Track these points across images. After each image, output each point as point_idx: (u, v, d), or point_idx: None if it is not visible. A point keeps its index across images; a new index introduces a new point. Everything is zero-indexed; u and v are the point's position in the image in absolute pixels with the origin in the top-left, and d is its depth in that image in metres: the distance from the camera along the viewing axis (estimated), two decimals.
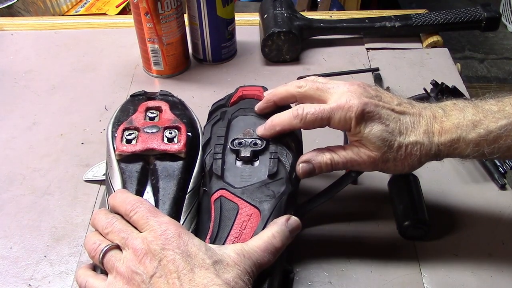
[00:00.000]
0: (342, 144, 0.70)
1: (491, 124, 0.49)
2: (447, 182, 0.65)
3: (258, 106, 0.56)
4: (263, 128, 0.54)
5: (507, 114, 0.49)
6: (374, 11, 0.97)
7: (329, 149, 0.53)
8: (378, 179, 0.65)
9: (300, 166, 0.52)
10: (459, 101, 0.52)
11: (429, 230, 0.58)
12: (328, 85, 0.53)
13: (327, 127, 0.53)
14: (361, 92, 0.51)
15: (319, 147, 0.54)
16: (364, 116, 0.50)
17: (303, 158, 0.53)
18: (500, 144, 0.49)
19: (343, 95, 0.51)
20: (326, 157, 0.52)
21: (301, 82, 0.54)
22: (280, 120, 0.53)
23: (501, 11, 2.60)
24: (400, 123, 0.51)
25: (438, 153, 0.51)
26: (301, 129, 0.59)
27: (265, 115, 0.56)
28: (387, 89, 0.79)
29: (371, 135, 0.50)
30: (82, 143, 0.71)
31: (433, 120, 0.51)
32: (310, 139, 0.71)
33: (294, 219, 0.48)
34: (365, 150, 0.51)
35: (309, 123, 0.52)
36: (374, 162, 0.51)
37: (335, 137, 0.71)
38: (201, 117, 0.62)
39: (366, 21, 0.90)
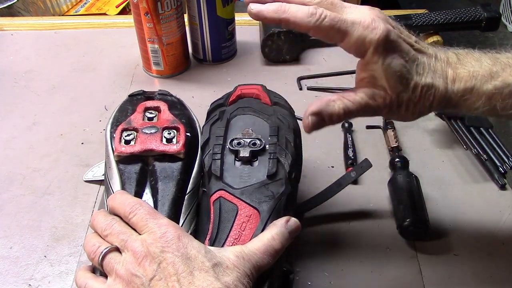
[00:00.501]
0: (342, 144, 0.70)
1: (509, 77, 0.46)
2: (447, 182, 0.65)
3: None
4: (264, 6, 0.46)
5: None
6: None
7: (340, 95, 0.47)
8: (378, 179, 0.65)
9: (310, 119, 0.47)
10: (475, 51, 0.49)
11: (429, 230, 0.58)
12: (344, 3, 0.47)
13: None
14: (385, 18, 0.46)
15: (327, 96, 0.47)
16: (386, 45, 0.45)
17: (311, 109, 0.46)
18: None
19: (366, 14, 0.45)
20: (338, 106, 0.46)
21: (316, 8, 0.45)
22: (291, 9, 0.45)
23: (501, 11, 2.60)
24: (418, 62, 0.47)
25: (449, 100, 0.47)
26: (300, 130, 0.58)
27: (264, 110, 0.55)
28: None
29: (390, 68, 0.45)
30: (82, 143, 0.71)
31: (447, 65, 0.47)
32: (310, 138, 0.71)
33: (293, 221, 0.47)
34: (379, 91, 0.46)
35: (323, 29, 0.44)
36: (389, 104, 0.46)
37: (335, 137, 0.72)
38: (201, 117, 0.62)
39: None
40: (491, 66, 0.47)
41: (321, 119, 0.47)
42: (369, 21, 0.45)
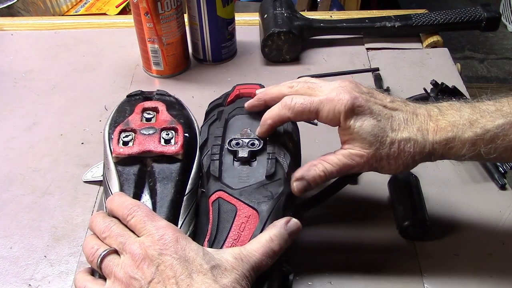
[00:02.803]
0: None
1: (488, 123, 0.48)
2: (447, 182, 0.65)
3: (248, 103, 0.55)
4: (259, 127, 0.54)
5: (504, 113, 0.48)
6: (374, 11, 0.97)
7: (320, 159, 0.52)
8: (378, 179, 0.65)
9: (295, 185, 0.51)
10: (456, 102, 0.52)
11: (429, 230, 0.58)
12: (319, 84, 0.52)
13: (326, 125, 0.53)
14: (352, 88, 0.50)
15: (310, 161, 0.52)
16: (355, 110, 0.49)
17: (296, 175, 0.51)
18: (497, 144, 0.48)
19: (333, 90, 0.50)
20: (318, 169, 0.51)
21: (293, 82, 0.54)
22: (270, 113, 0.52)
23: (501, 11, 2.60)
24: (392, 119, 0.50)
25: (432, 152, 0.49)
26: (298, 130, 0.58)
27: (258, 113, 0.56)
28: (387, 89, 0.79)
29: (362, 130, 0.49)
30: (82, 143, 0.71)
31: (428, 119, 0.50)
32: (310, 139, 0.71)
33: (293, 222, 0.47)
34: (357, 150, 0.50)
35: (298, 114, 0.51)
36: (367, 161, 0.50)
37: (336, 136, 0.71)
38: (201, 117, 0.62)
39: (366, 21, 0.90)
40: (470, 115, 0.49)
41: (306, 183, 0.51)
42: (335, 95, 0.50)
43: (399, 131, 0.49)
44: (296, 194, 0.52)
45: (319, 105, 0.50)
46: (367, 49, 0.89)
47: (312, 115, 0.51)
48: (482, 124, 0.48)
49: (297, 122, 0.59)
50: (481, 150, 0.48)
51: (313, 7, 1.50)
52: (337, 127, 0.52)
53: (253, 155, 0.52)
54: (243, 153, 0.52)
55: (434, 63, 0.86)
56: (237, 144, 0.53)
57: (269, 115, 0.52)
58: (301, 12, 0.91)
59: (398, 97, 0.53)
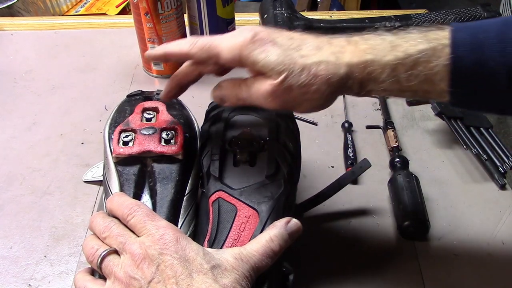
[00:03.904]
0: (342, 144, 0.70)
1: (410, 47, 0.44)
2: (447, 182, 0.65)
3: (162, 93, 0.54)
4: (153, 49, 0.52)
5: (428, 39, 0.44)
6: (374, 11, 0.98)
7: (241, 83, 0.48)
8: (378, 179, 0.65)
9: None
10: (380, 30, 0.47)
11: (429, 230, 0.58)
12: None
13: None
14: (255, 27, 0.47)
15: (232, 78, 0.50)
16: (256, 42, 0.45)
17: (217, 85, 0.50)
18: (418, 71, 0.43)
19: (237, 30, 0.48)
20: (235, 92, 0.49)
21: (192, 37, 0.50)
22: (173, 43, 0.50)
23: (501, 11, 2.59)
24: (300, 48, 0.45)
25: (349, 75, 0.45)
26: (298, 130, 0.58)
27: (262, 113, 0.55)
28: None
29: (267, 60, 0.45)
30: (82, 143, 0.71)
31: (346, 43, 0.46)
32: (310, 139, 0.71)
33: (294, 222, 0.47)
34: (267, 79, 0.45)
35: (198, 49, 0.48)
36: (276, 91, 0.45)
37: (335, 137, 0.72)
38: (201, 117, 0.62)
39: (366, 21, 0.90)
40: (393, 39, 0.45)
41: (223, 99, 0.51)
42: (235, 32, 0.47)
43: (309, 57, 0.45)
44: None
45: (220, 42, 0.47)
46: None
47: (213, 52, 0.47)
48: (404, 48, 0.44)
49: (297, 123, 0.59)
50: (401, 76, 0.44)
51: (313, 7, 1.50)
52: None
53: (253, 155, 0.52)
54: (243, 153, 0.52)
55: None
56: (237, 144, 0.53)
57: (171, 44, 0.50)
58: (301, 12, 0.91)
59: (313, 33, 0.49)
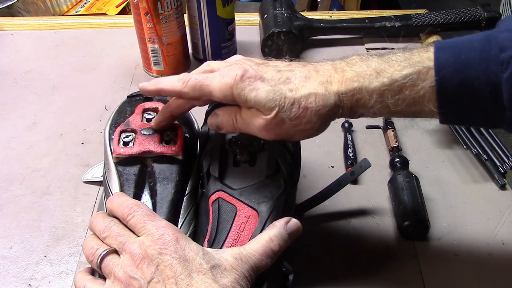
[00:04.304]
0: (342, 144, 0.70)
1: (395, 72, 0.45)
2: (447, 182, 0.65)
3: (154, 121, 0.56)
4: (147, 82, 0.52)
5: (413, 63, 0.45)
6: (374, 11, 0.97)
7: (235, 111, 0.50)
8: (378, 179, 0.65)
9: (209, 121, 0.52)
10: (365, 55, 0.48)
11: (429, 230, 0.58)
12: (221, 66, 0.51)
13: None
14: (245, 62, 0.49)
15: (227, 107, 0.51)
16: (245, 81, 0.47)
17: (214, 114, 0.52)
18: (405, 95, 0.45)
19: (227, 67, 0.49)
20: (230, 118, 0.50)
21: (184, 75, 0.51)
22: (165, 79, 0.51)
23: (501, 11, 2.59)
24: (289, 81, 0.47)
25: (339, 104, 0.46)
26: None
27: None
28: None
29: (257, 98, 0.46)
30: (82, 143, 0.71)
31: (333, 71, 0.47)
32: (310, 139, 0.71)
33: (294, 222, 0.47)
34: (260, 113, 0.47)
35: (190, 89, 0.49)
36: (269, 125, 0.47)
37: (335, 137, 0.72)
38: (201, 117, 0.62)
39: (366, 21, 0.90)
40: (378, 65, 0.46)
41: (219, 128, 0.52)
42: (227, 70, 0.48)
43: (297, 90, 0.46)
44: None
45: (211, 80, 0.48)
46: (367, 49, 0.89)
47: (204, 91, 0.49)
48: (389, 73, 0.45)
49: None
50: (389, 102, 0.45)
51: (313, 7, 1.50)
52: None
53: (253, 155, 0.52)
54: (243, 153, 0.52)
55: None
56: (237, 144, 0.53)
57: (164, 80, 0.51)
58: (301, 12, 0.91)
59: (300, 60, 0.50)
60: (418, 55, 0.45)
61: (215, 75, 0.48)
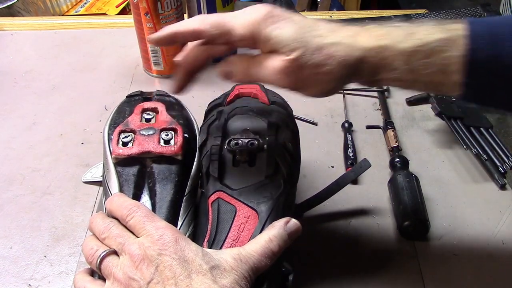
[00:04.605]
0: (342, 144, 0.70)
1: (427, 36, 0.43)
2: (447, 182, 0.65)
3: (173, 86, 0.51)
4: (157, 32, 0.48)
5: (444, 29, 0.43)
6: (374, 11, 0.98)
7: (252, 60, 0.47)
8: (378, 179, 0.65)
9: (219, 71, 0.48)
10: (393, 20, 0.47)
11: (429, 230, 0.58)
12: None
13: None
14: (267, 4, 0.46)
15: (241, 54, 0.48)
16: (271, 17, 0.44)
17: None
18: (433, 60, 0.42)
19: (250, 7, 0.46)
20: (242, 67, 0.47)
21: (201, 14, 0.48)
22: (179, 23, 0.48)
23: (501, 11, 2.59)
24: (317, 26, 0.44)
25: (364, 58, 0.43)
26: (298, 130, 0.57)
27: (262, 109, 0.55)
28: (387, 89, 0.79)
29: (282, 36, 0.43)
30: (82, 143, 0.71)
31: (361, 29, 0.45)
32: (310, 139, 0.71)
33: (293, 222, 0.47)
34: (280, 55, 0.44)
35: (209, 24, 0.45)
36: (287, 68, 0.44)
37: (335, 137, 0.72)
38: (201, 117, 0.62)
39: (366, 21, 0.89)
40: (408, 28, 0.44)
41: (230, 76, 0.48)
42: (249, 8, 0.45)
43: (325, 37, 0.44)
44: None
45: (233, 18, 0.45)
46: None
47: (225, 29, 0.45)
48: (421, 35, 0.43)
49: (297, 123, 0.59)
50: (416, 64, 0.43)
51: (313, 7, 1.50)
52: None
53: (252, 155, 0.52)
54: (242, 153, 0.52)
55: None
56: (237, 144, 0.53)
57: (179, 23, 0.48)
58: (301, 12, 0.91)
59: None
60: (449, 24, 0.43)
61: (237, 13, 0.45)
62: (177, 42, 0.49)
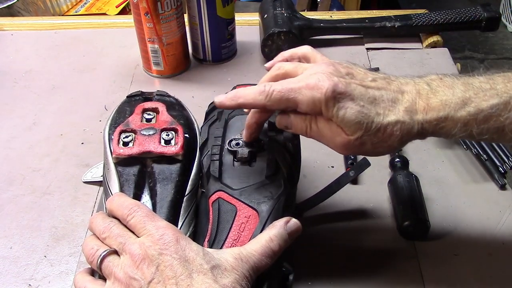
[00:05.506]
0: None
1: (482, 102, 0.45)
2: (447, 182, 0.65)
3: (245, 136, 0.53)
4: (224, 96, 0.50)
5: (499, 93, 0.45)
6: (374, 11, 0.97)
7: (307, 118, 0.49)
8: (378, 179, 0.65)
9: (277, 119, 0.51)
10: (447, 77, 0.48)
11: (429, 230, 0.58)
12: (298, 70, 0.50)
13: None
14: (331, 72, 0.47)
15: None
16: (336, 98, 0.46)
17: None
18: (490, 125, 0.45)
19: (312, 75, 0.47)
20: (303, 124, 0.49)
21: (264, 85, 0.49)
22: (245, 92, 0.49)
23: (501, 11, 2.60)
24: (376, 102, 0.46)
25: (421, 131, 0.47)
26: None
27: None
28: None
29: (345, 118, 0.46)
30: (82, 143, 0.71)
31: (417, 97, 0.47)
32: (310, 139, 0.71)
33: (293, 222, 0.47)
34: (342, 132, 0.47)
35: (275, 102, 0.47)
36: (349, 145, 0.47)
37: None
38: (201, 118, 0.62)
39: (366, 21, 0.90)
40: (463, 93, 0.46)
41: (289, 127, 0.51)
42: (314, 82, 0.46)
43: (385, 115, 0.46)
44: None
45: (298, 94, 0.47)
46: (367, 49, 0.89)
47: (290, 104, 0.47)
48: (476, 103, 0.45)
49: None
50: (473, 131, 0.46)
51: (313, 7, 1.50)
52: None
53: (253, 155, 0.52)
54: (243, 153, 0.52)
55: (434, 63, 0.86)
56: (237, 144, 0.53)
57: (243, 94, 0.49)
58: (301, 12, 0.91)
59: (380, 73, 0.50)
60: (503, 84, 0.46)
61: (300, 87, 0.47)
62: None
